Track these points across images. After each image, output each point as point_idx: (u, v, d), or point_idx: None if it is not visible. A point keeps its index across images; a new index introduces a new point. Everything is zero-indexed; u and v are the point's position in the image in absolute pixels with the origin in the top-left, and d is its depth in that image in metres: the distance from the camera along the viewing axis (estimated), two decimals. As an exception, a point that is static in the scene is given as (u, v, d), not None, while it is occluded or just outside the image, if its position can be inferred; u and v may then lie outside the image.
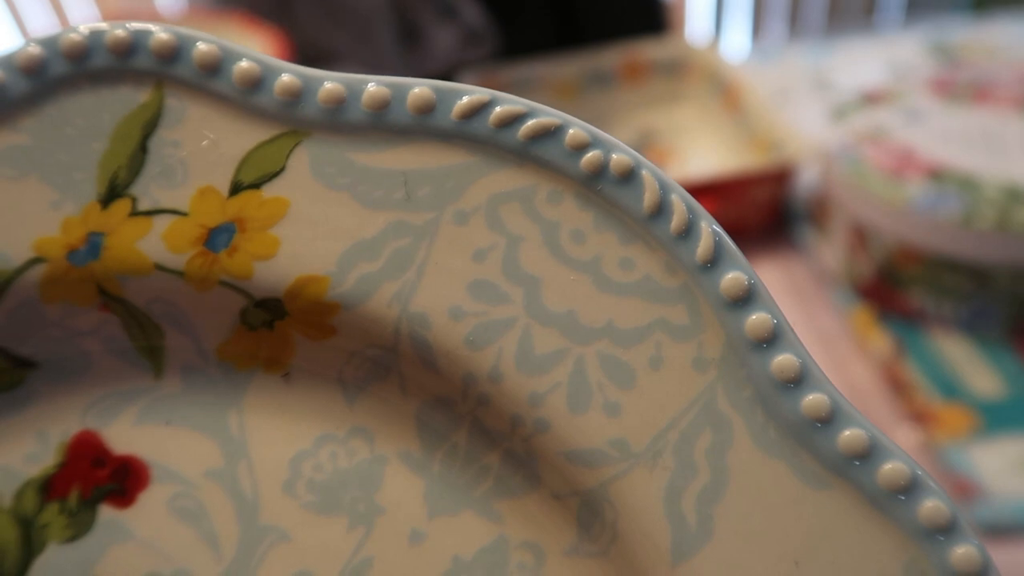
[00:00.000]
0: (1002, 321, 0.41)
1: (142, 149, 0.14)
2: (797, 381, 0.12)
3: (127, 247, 0.13)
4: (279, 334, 0.14)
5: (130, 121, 0.14)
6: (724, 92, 0.71)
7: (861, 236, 0.46)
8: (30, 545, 0.14)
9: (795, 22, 1.60)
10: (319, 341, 0.14)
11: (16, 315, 0.14)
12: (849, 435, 0.12)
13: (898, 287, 0.44)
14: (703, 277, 0.13)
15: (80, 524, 0.14)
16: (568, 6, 0.85)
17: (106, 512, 0.14)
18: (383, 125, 0.14)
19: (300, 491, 0.14)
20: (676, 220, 0.13)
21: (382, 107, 0.13)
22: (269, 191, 0.14)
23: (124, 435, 0.14)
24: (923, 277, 0.43)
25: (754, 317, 0.13)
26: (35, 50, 0.14)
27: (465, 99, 0.13)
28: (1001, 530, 0.32)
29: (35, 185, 0.14)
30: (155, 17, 0.62)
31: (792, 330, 0.13)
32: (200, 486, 0.14)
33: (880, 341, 0.41)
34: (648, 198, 0.13)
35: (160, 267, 0.14)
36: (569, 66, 0.73)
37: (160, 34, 0.14)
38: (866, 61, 0.75)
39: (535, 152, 0.13)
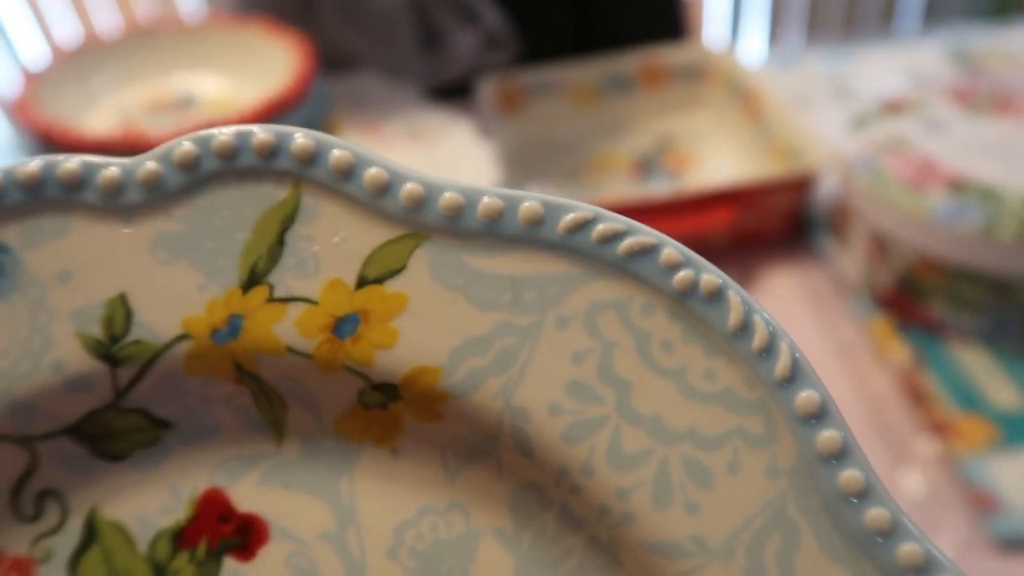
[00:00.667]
0: (1022, 333, 0.41)
1: (279, 242, 0.15)
2: (862, 495, 0.14)
3: (264, 330, 0.15)
4: (391, 415, 0.16)
5: (270, 216, 0.15)
6: (743, 98, 0.70)
7: (881, 246, 0.46)
8: (162, 590, 0.15)
9: (812, 28, 1.59)
10: (427, 424, 0.15)
11: (161, 383, 0.15)
12: (907, 549, 0.14)
13: (918, 297, 0.44)
14: (780, 393, 0.14)
15: (206, 573, 0.15)
16: (585, 10, 0.84)
17: (230, 564, 0.16)
18: (496, 233, 0.15)
19: (403, 557, 0.15)
20: (758, 339, 0.14)
21: (496, 217, 0.15)
22: (391, 287, 0.15)
23: (247, 495, 0.16)
24: (943, 288, 0.43)
25: (825, 434, 0.14)
26: (190, 147, 0.15)
27: (571, 215, 0.15)
28: (1020, 543, 0.33)
29: (185, 269, 0.15)
30: (179, 23, 0.62)
31: (858, 446, 0.14)
32: (314, 546, 0.15)
33: (899, 351, 0.41)
34: (733, 317, 0.14)
35: (291, 350, 0.15)
36: (588, 70, 0.72)
37: (301, 139, 0.15)
38: (886, 68, 0.74)
39: (632, 267, 0.15)
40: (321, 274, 0.15)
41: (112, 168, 0.15)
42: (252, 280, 0.15)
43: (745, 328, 0.14)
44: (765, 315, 0.15)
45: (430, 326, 0.15)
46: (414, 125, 0.62)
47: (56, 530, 0.16)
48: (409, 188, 0.15)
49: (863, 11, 1.54)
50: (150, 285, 0.15)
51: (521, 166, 0.62)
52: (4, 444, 0.15)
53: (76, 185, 0.15)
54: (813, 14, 1.54)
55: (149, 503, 0.16)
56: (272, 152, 0.15)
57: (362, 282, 0.15)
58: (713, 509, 0.14)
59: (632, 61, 0.75)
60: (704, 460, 0.14)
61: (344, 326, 0.15)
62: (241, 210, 0.15)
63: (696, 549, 0.14)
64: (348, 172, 0.15)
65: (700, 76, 0.76)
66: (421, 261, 0.15)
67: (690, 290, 0.15)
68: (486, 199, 0.15)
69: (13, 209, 0.15)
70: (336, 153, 0.15)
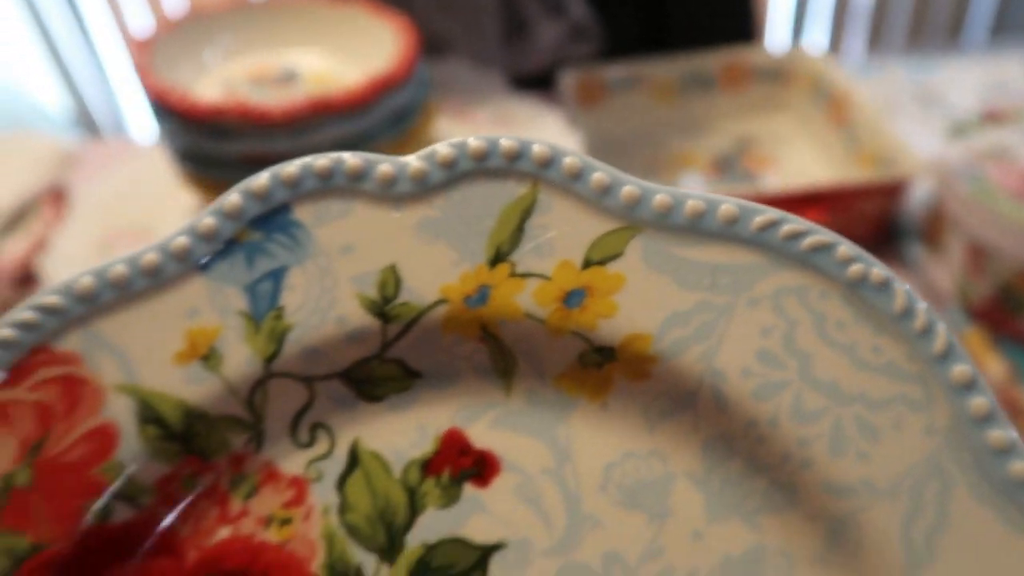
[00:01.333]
0: (1122, 349, 0.42)
1: (519, 229, 0.19)
2: (1007, 451, 0.17)
3: (507, 299, 0.19)
4: (604, 373, 0.19)
5: (512, 208, 0.19)
6: (831, 102, 0.68)
7: (979, 256, 0.46)
8: (414, 507, 0.19)
9: (875, 37, 1.56)
10: (635, 383, 0.19)
11: (419, 339, 0.19)
12: (1045, 496, 0.17)
13: (1016, 310, 0.44)
14: (937, 366, 0.17)
15: (449, 496, 0.19)
16: (658, 8, 0.83)
17: (468, 490, 0.19)
18: (699, 229, 0.18)
19: (611, 492, 0.19)
20: (919, 322, 0.18)
21: (699, 216, 0.18)
22: (611, 268, 0.19)
23: (482, 435, 0.19)
24: (1044, 301, 0.43)
25: (976, 400, 0.17)
26: (450, 151, 0.19)
27: (762, 217, 0.18)
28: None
29: (443, 247, 0.19)
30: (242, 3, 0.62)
31: (1003, 412, 0.17)
32: (537, 479, 0.19)
33: (995, 365, 0.41)
34: (898, 303, 0.18)
35: (528, 315, 0.19)
36: (669, 67, 0.71)
37: (539, 147, 0.19)
38: (968, 78, 0.74)
39: (813, 260, 0.18)
40: (554, 256, 0.19)
41: (387, 164, 0.19)
42: (497, 258, 0.19)
43: (908, 312, 0.18)
44: (924, 304, 0.18)
45: (643, 301, 0.18)
46: (502, 112, 0.63)
47: (326, 456, 0.19)
48: (628, 190, 0.19)
49: (931, 20, 1.53)
50: (415, 259, 0.19)
51: (599, 159, 0.64)
52: (291, 381, 0.19)
53: (359, 176, 0.19)
54: (877, 23, 1.53)
55: (401, 438, 0.19)
56: (515, 156, 0.19)
57: (587, 263, 0.19)
58: (880, 458, 0.17)
59: (714, 60, 0.73)
60: (872, 419, 0.17)
61: (573, 298, 0.19)
62: (489, 202, 0.19)
63: (866, 491, 0.17)
64: (577, 175, 0.19)
65: (783, 78, 0.74)
66: (636, 249, 0.19)
67: (862, 280, 0.18)
68: (691, 201, 0.19)
69: (308, 194, 0.19)
70: (568, 159, 0.19)
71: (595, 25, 0.72)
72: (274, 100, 0.48)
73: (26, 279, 0.63)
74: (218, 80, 0.57)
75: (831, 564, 0.18)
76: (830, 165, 0.68)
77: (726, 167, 0.70)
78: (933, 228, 0.54)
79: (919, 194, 0.59)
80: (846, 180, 0.59)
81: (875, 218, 0.58)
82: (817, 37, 1.54)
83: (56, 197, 0.69)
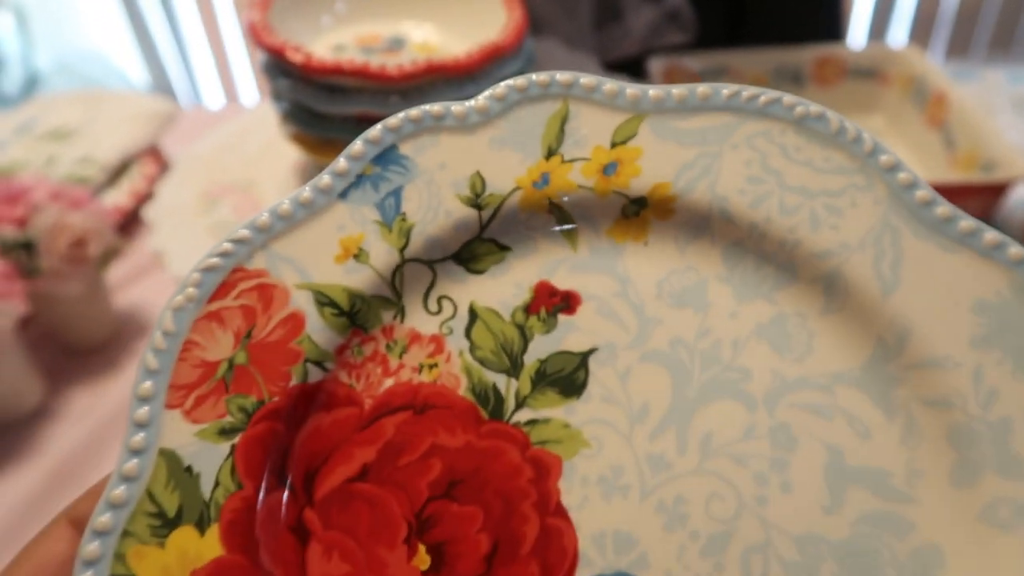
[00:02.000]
0: None
1: (561, 131, 0.26)
2: (931, 203, 0.24)
3: (562, 178, 0.26)
4: (642, 219, 0.26)
5: (553, 119, 0.26)
6: (927, 102, 0.65)
7: None
8: (525, 337, 0.25)
9: (958, 43, 1.57)
10: (665, 220, 0.26)
11: (504, 220, 0.26)
12: (964, 224, 0.24)
13: None
14: (871, 159, 0.25)
15: (548, 325, 0.25)
16: (740, 2, 0.81)
17: (562, 319, 0.26)
18: (686, 107, 0.26)
19: (664, 298, 0.25)
20: (851, 134, 0.25)
21: (684, 99, 0.26)
22: (631, 144, 0.26)
23: (563, 280, 0.26)
24: None
25: (902, 175, 0.24)
26: (503, 90, 0.27)
27: (727, 90, 0.26)
28: None
29: (509, 153, 0.26)
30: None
31: (923, 180, 0.25)
32: (609, 301, 0.26)
33: None
34: (833, 126, 0.25)
35: (580, 186, 0.26)
36: (759, 60, 0.70)
37: (562, 75, 0.27)
38: None
39: (769, 111, 0.26)
40: (588, 144, 0.26)
41: (459, 106, 0.27)
42: (550, 153, 0.26)
43: (841, 130, 0.25)
44: (852, 123, 0.25)
45: (658, 161, 0.26)
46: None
47: (452, 317, 0.26)
48: (631, 91, 0.26)
49: (1019, 28, 1.55)
50: (492, 164, 0.26)
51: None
52: (419, 265, 0.26)
53: (441, 117, 0.26)
54: (959, 30, 1.54)
55: (505, 294, 0.26)
56: (548, 84, 0.27)
57: (613, 144, 0.26)
58: (847, 227, 0.24)
59: (806, 55, 0.71)
60: (835, 203, 0.25)
61: (608, 169, 0.26)
62: (536, 117, 0.27)
63: (842, 250, 0.24)
64: (593, 89, 0.27)
65: (877, 77, 0.71)
66: (645, 129, 0.26)
67: (805, 117, 0.25)
68: (675, 91, 0.26)
69: (408, 135, 0.26)
70: (584, 79, 0.27)
71: (690, 12, 0.71)
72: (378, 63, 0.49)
73: (126, 226, 0.69)
74: (329, 44, 0.59)
75: (833, 311, 0.24)
76: (924, 166, 0.65)
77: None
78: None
79: (1017, 198, 0.59)
80: (948, 179, 0.58)
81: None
82: (898, 40, 1.54)
83: (155, 154, 0.75)
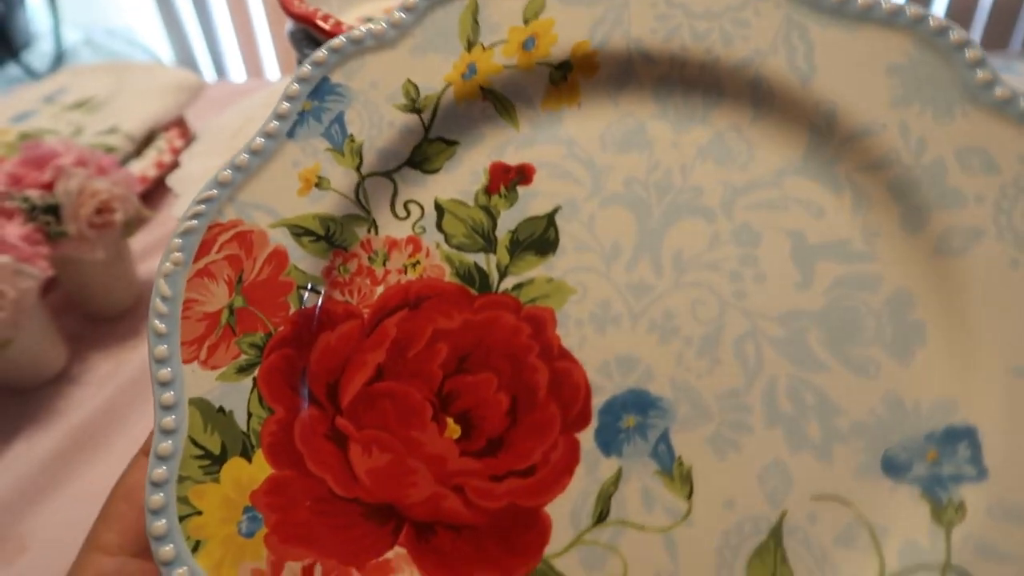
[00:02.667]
0: None
1: (475, 23, 0.28)
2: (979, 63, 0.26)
3: (487, 63, 0.27)
4: (571, 83, 0.28)
5: (465, 14, 0.28)
6: None
7: None
8: (492, 215, 0.27)
9: (994, 39, 1.53)
10: (592, 77, 0.27)
11: (445, 116, 0.28)
12: (861, 2, 0.25)
13: None
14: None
15: (511, 199, 0.27)
16: None
17: (521, 190, 0.27)
18: (583, -32, 0.28)
19: (608, 146, 0.27)
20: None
21: (579, -39, 0.28)
22: (543, 16, 0.27)
23: (513, 157, 0.27)
24: None
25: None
26: (412, 1, 0.28)
27: (617, -58, 0.27)
28: None
29: (433, 56, 0.28)
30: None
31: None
32: (560, 163, 0.27)
33: None
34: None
35: (505, 67, 0.27)
36: None
37: (463, -28, 0.28)
38: None
39: (659, -50, 0.27)
40: (504, 26, 0.28)
41: (375, 24, 0.28)
42: (470, 45, 0.28)
43: None
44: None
45: (571, 25, 0.27)
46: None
47: (421, 217, 0.27)
48: (529, -32, 0.28)
49: None
50: (419, 70, 0.28)
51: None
52: (378, 177, 0.27)
53: (360, 41, 0.28)
54: (995, 24, 1.51)
55: (463, 183, 0.27)
56: (451, -16, 0.28)
57: (526, 21, 0.28)
58: (756, 35, 0.26)
59: None
60: (741, 16, 0.26)
61: (527, 44, 0.27)
62: (449, 17, 0.28)
63: (756, 56, 0.26)
64: (494, -24, 0.28)
65: None
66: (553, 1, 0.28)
67: (693, -55, 0.27)
68: (570, -45, 0.28)
69: (334, 65, 0.28)
70: (484, -30, 0.28)
71: None
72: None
73: (150, 196, 0.71)
74: (358, 15, 0.60)
75: (763, 116, 0.26)
76: None
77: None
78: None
79: None
80: None
81: None
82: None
83: (181, 125, 0.77)
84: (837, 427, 0.23)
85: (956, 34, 0.24)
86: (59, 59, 1.31)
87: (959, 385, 0.22)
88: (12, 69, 1.26)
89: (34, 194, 0.54)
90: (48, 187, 0.54)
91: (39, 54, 1.32)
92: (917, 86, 0.24)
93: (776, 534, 0.22)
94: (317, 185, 0.27)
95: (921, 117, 0.24)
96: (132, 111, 0.75)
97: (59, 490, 0.50)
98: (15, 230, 0.51)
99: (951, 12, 1.54)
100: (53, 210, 0.54)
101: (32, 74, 1.26)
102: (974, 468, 0.21)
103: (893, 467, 0.22)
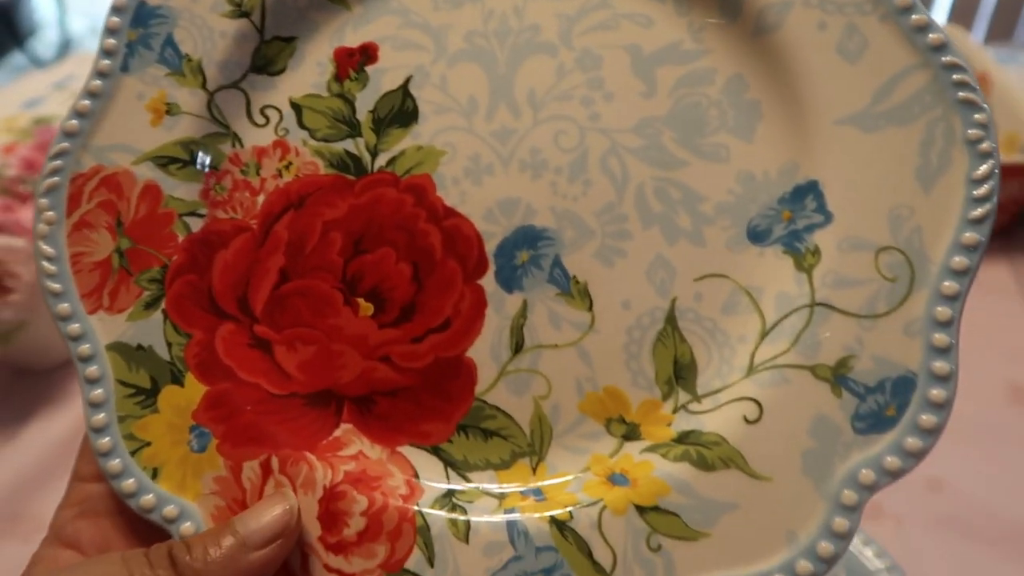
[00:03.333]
0: None
1: (278, -90, 0.27)
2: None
3: (302, -50, 0.27)
4: (388, -51, 0.28)
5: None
6: None
7: None
8: (349, 100, 0.27)
9: (999, 30, 1.49)
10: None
11: (275, 14, 0.27)
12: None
13: None
14: None
15: (363, 80, 0.27)
16: None
17: (370, 70, 0.28)
18: None
19: (441, 6, 0.28)
20: None
21: None
22: None
23: (353, 39, 0.28)
24: None
25: None
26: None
27: None
28: None
29: (246, -47, 0.27)
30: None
31: None
32: (400, 34, 0.28)
33: None
34: None
35: (321, -51, 0.27)
36: None
37: None
38: None
39: None
40: (308, -92, 0.27)
41: (177, -64, 0.27)
42: (279, -66, 0.27)
43: None
44: None
45: None
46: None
47: (281, 119, 0.28)
48: None
49: None
50: (236, -29, 0.27)
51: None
52: (227, 90, 0.27)
53: (168, -46, 0.27)
54: (1001, 15, 1.48)
55: (312, 76, 0.28)
56: None
57: None
58: None
59: None
60: None
61: (336, -80, 0.27)
62: (250, -90, 0.27)
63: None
64: None
65: None
66: None
67: None
68: None
69: (148, -15, 0.27)
70: None
71: None
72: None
73: None
74: None
75: None
76: None
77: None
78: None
79: None
80: None
81: (1011, 202, 0.59)
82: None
83: None
84: (703, 212, 0.25)
85: None
86: (64, 47, 1.32)
87: (796, 148, 0.25)
88: (18, 58, 1.27)
89: None
90: None
91: (44, 43, 1.34)
92: None
93: (671, 319, 0.25)
94: (168, 112, 0.27)
95: (719, -92, 0.26)
96: None
97: (72, 463, 0.52)
98: (29, 214, 0.52)
99: (956, 6, 1.50)
100: None
101: (38, 62, 1.25)
102: (821, 215, 0.24)
103: (757, 235, 0.25)
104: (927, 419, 0.21)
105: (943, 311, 0.22)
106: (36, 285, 0.51)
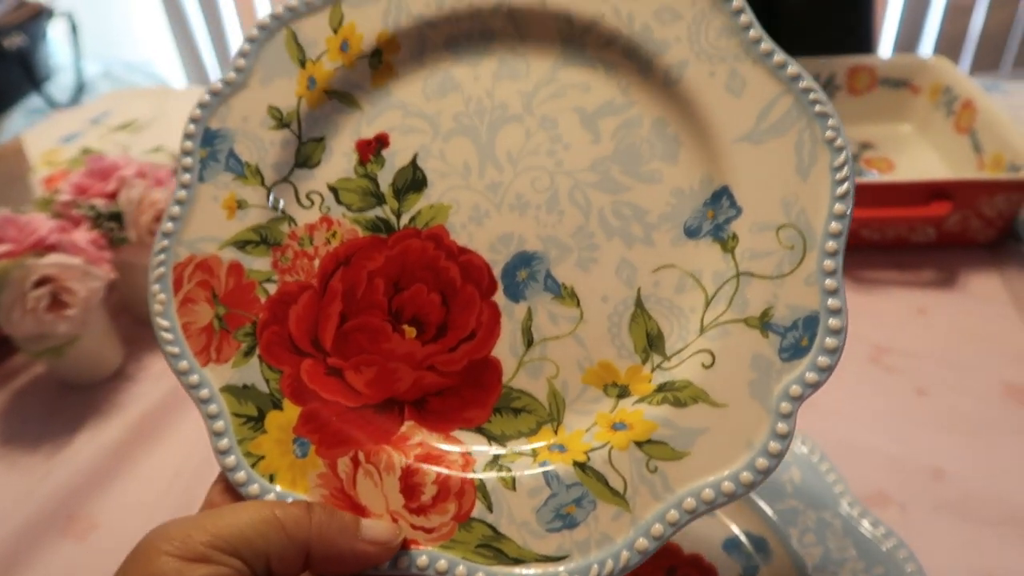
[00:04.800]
0: None
1: (298, 46, 0.36)
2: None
3: (321, 72, 0.36)
4: (385, 64, 0.36)
5: (288, 42, 0.36)
6: (955, 110, 0.69)
7: None
8: (373, 179, 0.36)
9: (984, 62, 1.59)
10: (398, 54, 0.36)
11: (308, 123, 0.36)
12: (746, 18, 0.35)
13: None
14: (484, -68, 0.36)
15: (380, 161, 0.36)
16: (774, 18, 0.82)
17: (385, 153, 0.36)
18: (360, -23, 0.36)
19: (431, 97, 0.36)
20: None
21: (355, -28, 0.36)
22: (345, 23, 0.36)
23: (368, 132, 0.36)
24: None
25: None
26: (245, 46, 0.36)
27: (375, -51, 0.36)
28: None
29: (278, 80, 0.36)
30: None
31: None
32: (403, 123, 0.36)
33: None
34: (450, -73, 0.36)
35: (336, 69, 0.36)
36: None
37: (274, 11, 0.36)
38: None
39: (408, -56, 0.36)
40: (321, 40, 0.36)
41: (228, 75, 0.36)
42: (303, 63, 0.36)
43: (456, -74, 0.36)
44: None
45: (367, 21, 0.36)
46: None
47: (323, 200, 0.36)
48: (320, -9, 0.36)
49: None
50: (273, 95, 0.36)
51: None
52: (281, 184, 0.36)
53: (219, 91, 0.36)
54: (986, 48, 1.55)
55: (342, 165, 0.36)
56: (268, 23, 0.36)
57: (335, 30, 0.36)
58: (498, -19, 0.35)
59: (839, 64, 0.73)
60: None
61: (344, 47, 0.36)
62: (277, 48, 0.36)
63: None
64: (295, 7, 0.36)
65: (907, 86, 0.75)
66: (346, 8, 0.36)
67: (430, -67, 0.36)
68: (346, -29, 0.36)
69: (208, 116, 0.36)
70: (288, 5, 0.36)
71: None
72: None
73: None
74: None
75: (523, 37, 0.36)
76: (953, 169, 0.69)
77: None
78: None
79: None
80: (976, 175, 0.61)
81: (999, 217, 0.63)
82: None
83: None
84: (650, 222, 0.34)
85: (626, -65, 0.34)
86: (80, 91, 1.40)
87: (709, 164, 0.33)
88: (35, 100, 1.35)
89: (99, 203, 0.60)
90: (111, 196, 0.61)
91: (60, 86, 1.41)
92: (616, -21, 0.35)
93: (639, 304, 0.33)
94: (238, 207, 0.35)
95: (625, -1, 0.35)
96: (176, 131, 0.81)
97: (122, 474, 0.60)
98: (83, 235, 0.58)
99: (942, 38, 1.54)
100: (116, 217, 0.60)
101: (54, 105, 1.33)
102: (734, 210, 0.33)
103: (691, 232, 0.33)
104: (831, 342, 0.30)
105: (829, 264, 0.30)
106: (89, 301, 0.56)
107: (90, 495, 0.56)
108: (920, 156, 0.74)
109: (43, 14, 1.37)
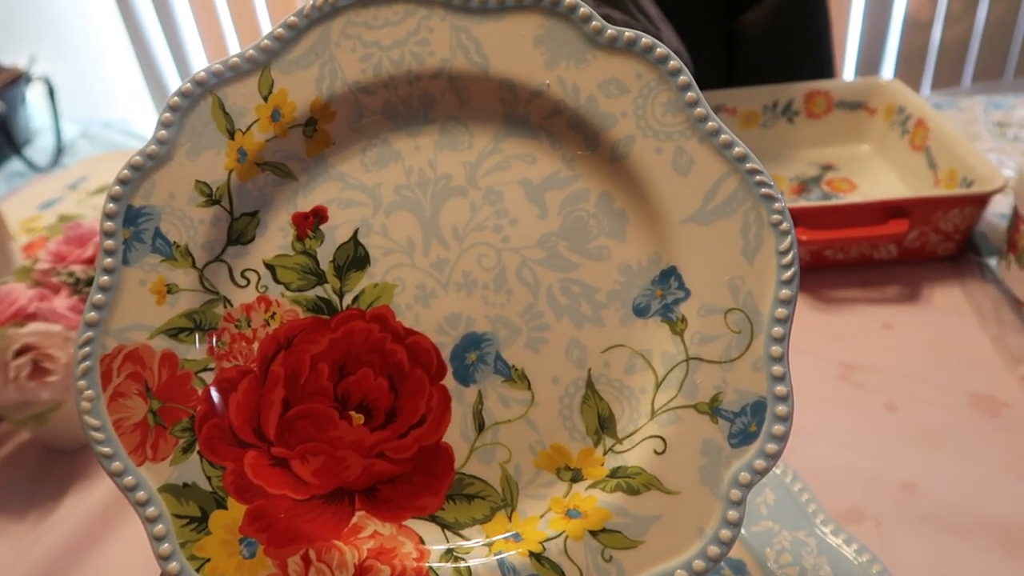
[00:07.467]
0: None
1: (225, 115, 0.34)
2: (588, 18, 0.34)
3: (251, 143, 0.34)
4: (321, 131, 0.35)
5: (214, 111, 0.34)
6: (910, 128, 0.71)
7: None
8: (312, 255, 0.34)
9: (945, 77, 1.60)
10: (333, 121, 0.35)
11: (239, 197, 0.34)
12: (628, 36, 0.34)
13: None
14: (421, -6, 0.34)
15: (320, 236, 0.35)
16: (735, 47, 0.85)
17: (324, 228, 0.35)
18: (286, 40, 0.34)
19: (370, 168, 0.35)
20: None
21: (280, 37, 0.34)
22: (275, 89, 0.34)
23: (304, 204, 0.35)
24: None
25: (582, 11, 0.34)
26: (167, 115, 0.34)
27: (304, 9, 0.34)
28: None
29: (205, 152, 0.34)
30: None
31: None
32: (341, 195, 0.35)
33: None
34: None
35: (267, 140, 0.34)
36: (754, 96, 0.75)
37: (197, 77, 0.34)
38: None
39: (339, 5, 0.34)
40: (250, 109, 0.34)
41: (151, 146, 0.34)
42: (231, 134, 0.34)
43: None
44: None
45: (299, 87, 0.34)
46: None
47: (260, 279, 0.34)
48: (252, 51, 0.34)
49: (999, 61, 1.60)
50: (200, 169, 0.34)
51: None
52: (214, 264, 0.34)
53: (140, 166, 0.33)
54: (945, 64, 1.55)
55: (278, 240, 0.35)
56: (192, 91, 0.34)
57: (265, 98, 0.34)
58: (436, 45, 0.34)
59: (796, 90, 0.76)
60: (421, 37, 0.34)
61: (275, 115, 0.34)
62: (203, 118, 0.34)
63: (443, 64, 0.34)
64: (221, 72, 0.34)
65: (863, 108, 0.78)
66: (275, 73, 0.34)
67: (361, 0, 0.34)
68: (266, 39, 0.34)
69: (131, 193, 0.33)
70: (213, 69, 0.34)
71: (685, 54, 0.74)
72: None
73: None
74: None
75: (467, 105, 0.35)
76: (911, 186, 0.71)
77: (807, 190, 0.73)
78: (1011, 241, 0.61)
79: (998, 209, 0.64)
80: (930, 192, 0.63)
81: (956, 231, 0.64)
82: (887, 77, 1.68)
83: None
84: (599, 300, 0.34)
85: (567, 1, 0.33)
86: (59, 152, 1.40)
87: (657, 242, 0.33)
88: (16, 164, 1.35)
89: (78, 269, 0.61)
90: (89, 262, 0.62)
91: (40, 149, 1.41)
92: (557, 48, 0.34)
93: (590, 385, 0.33)
94: (168, 291, 0.33)
95: (568, 70, 0.34)
96: None
97: (110, 537, 0.62)
98: (63, 302, 0.60)
99: (903, 55, 1.58)
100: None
101: (35, 168, 1.33)
102: (682, 291, 0.33)
103: (640, 310, 0.33)
104: (778, 428, 0.30)
105: (776, 349, 0.31)
106: (71, 366, 0.56)
107: (78, 560, 0.56)
108: (880, 175, 0.76)
109: (21, 79, 1.41)
